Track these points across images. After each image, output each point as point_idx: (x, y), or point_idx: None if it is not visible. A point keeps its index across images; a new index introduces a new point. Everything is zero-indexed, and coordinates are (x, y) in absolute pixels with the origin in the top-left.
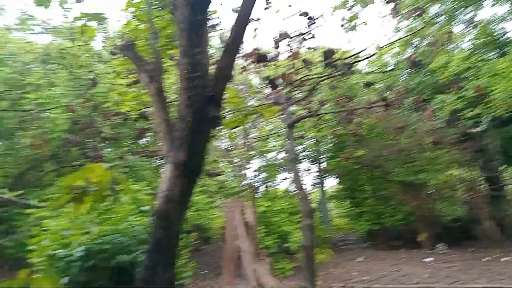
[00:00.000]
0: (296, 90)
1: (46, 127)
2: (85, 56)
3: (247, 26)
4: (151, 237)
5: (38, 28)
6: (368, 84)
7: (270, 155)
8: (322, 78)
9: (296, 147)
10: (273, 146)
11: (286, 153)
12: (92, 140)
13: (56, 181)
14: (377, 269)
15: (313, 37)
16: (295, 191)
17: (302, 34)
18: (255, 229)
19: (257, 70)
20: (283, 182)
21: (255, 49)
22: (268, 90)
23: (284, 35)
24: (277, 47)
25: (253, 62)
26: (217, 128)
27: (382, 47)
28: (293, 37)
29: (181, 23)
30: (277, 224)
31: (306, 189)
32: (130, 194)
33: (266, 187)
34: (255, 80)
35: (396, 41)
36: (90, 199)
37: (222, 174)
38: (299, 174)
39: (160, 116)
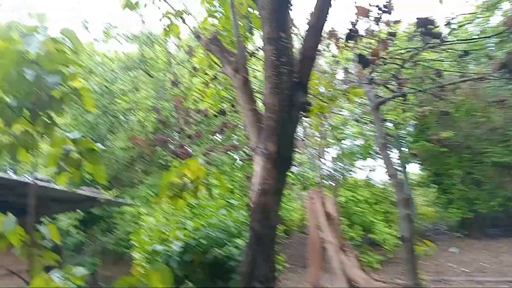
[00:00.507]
0: (381, 68)
1: (135, 129)
2: (163, 59)
3: (331, 2)
4: (249, 231)
5: (121, 37)
6: (463, 54)
7: (347, 143)
8: (415, 51)
9: (383, 131)
10: (351, 133)
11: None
12: (177, 138)
13: (146, 179)
14: (475, 260)
15: (392, 10)
16: (386, 179)
17: (383, 7)
18: (337, 220)
19: (342, 48)
20: (363, 170)
21: (332, 30)
22: (348, 71)
23: (363, 11)
24: (355, 24)
25: (337, 41)
26: (305, 114)
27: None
28: (375, 11)
29: (263, 9)
30: (360, 214)
31: (400, 175)
32: (221, 188)
33: (345, 176)
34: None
35: (483, 5)
36: (188, 195)
37: (300, 165)
38: (391, 159)
39: (247, 107)
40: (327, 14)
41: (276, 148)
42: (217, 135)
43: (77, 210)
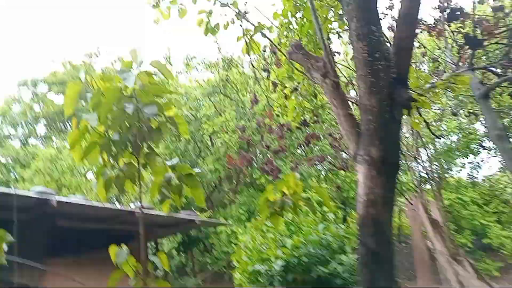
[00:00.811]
0: (491, 47)
1: (221, 151)
2: (241, 80)
3: None
4: (361, 248)
5: (200, 65)
6: None
7: (442, 141)
8: None
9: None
10: (448, 128)
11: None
12: (261, 156)
13: (236, 199)
14: None
15: None
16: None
17: None
18: (445, 226)
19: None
20: (464, 168)
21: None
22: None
23: None
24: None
25: (435, 25)
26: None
27: None
28: None
29: (349, 5)
30: (469, 217)
31: None
32: (325, 203)
33: (445, 176)
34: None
35: None
36: (288, 212)
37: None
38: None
39: (341, 112)
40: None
41: (380, 153)
42: (302, 147)
43: (178, 233)
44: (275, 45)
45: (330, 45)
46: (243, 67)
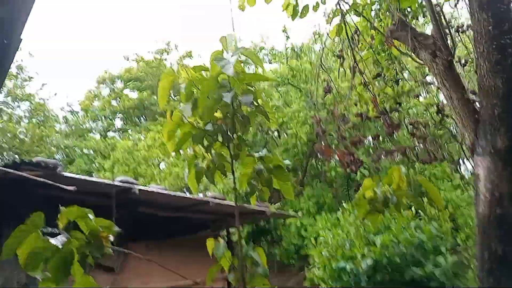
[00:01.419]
0: None
1: (292, 142)
2: (310, 69)
3: None
4: (485, 252)
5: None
6: None
7: None
8: None
9: None
10: None
11: None
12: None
13: (305, 191)
14: None
15: None
16: None
17: None
18: None
19: None
20: None
21: None
22: None
23: None
24: None
25: None
26: None
27: None
28: None
29: None
30: None
31: None
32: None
33: None
34: None
35: None
36: (391, 209)
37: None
38: None
39: (454, 96)
40: None
41: (508, 143)
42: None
43: (248, 223)
44: (373, 25)
45: (441, 17)
46: (311, 55)
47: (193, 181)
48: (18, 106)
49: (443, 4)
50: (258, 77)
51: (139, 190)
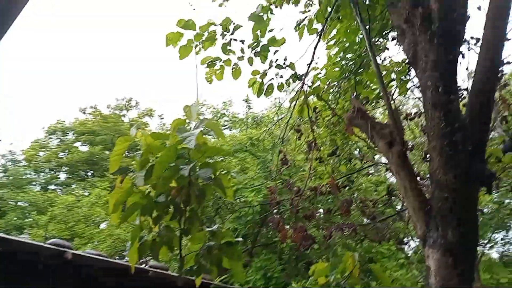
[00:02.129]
0: None
1: (243, 210)
2: (269, 140)
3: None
4: None
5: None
6: None
7: None
8: None
9: None
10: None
11: None
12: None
13: (254, 262)
14: None
15: None
16: None
17: None
18: None
19: None
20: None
21: None
22: None
23: None
24: None
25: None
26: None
27: None
28: None
29: (426, 71)
30: None
31: None
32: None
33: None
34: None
35: None
36: None
37: None
38: None
39: (408, 186)
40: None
41: (458, 238)
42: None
43: None
44: (333, 111)
45: (397, 109)
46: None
47: (134, 256)
48: None
49: (393, 94)
50: (219, 151)
51: (72, 254)
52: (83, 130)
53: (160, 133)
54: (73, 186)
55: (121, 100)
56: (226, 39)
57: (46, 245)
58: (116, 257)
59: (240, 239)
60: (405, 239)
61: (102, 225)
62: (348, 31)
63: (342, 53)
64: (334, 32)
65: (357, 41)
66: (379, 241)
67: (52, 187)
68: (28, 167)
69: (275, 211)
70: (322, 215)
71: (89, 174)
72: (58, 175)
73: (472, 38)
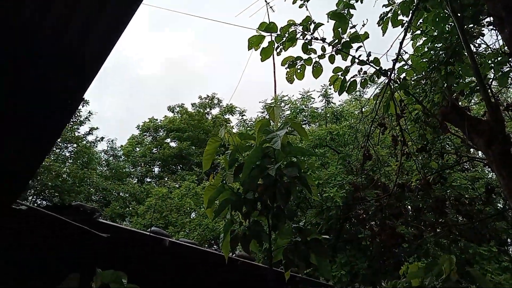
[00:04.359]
0: None
1: (325, 205)
2: (350, 135)
3: None
4: None
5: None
6: None
7: None
8: None
9: None
10: None
11: None
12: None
13: (337, 258)
14: None
15: None
16: None
17: None
18: None
19: None
20: None
21: None
22: None
23: None
24: None
25: None
26: None
27: None
28: None
29: None
30: None
31: None
32: None
33: None
34: None
35: None
36: None
37: None
38: None
39: (511, 187)
40: None
41: None
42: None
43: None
44: (423, 106)
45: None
46: (350, 121)
47: (227, 248)
48: (66, 147)
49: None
50: (304, 151)
51: (169, 242)
52: (172, 127)
53: (246, 133)
54: (165, 178)
55: (204, 98)
56: (306, 39)
57: (149, 234)
58: (206, 245)
59: (326, 236)
60: (509, 240)
61: (192, 215)
62: (437, 19)
63: (430, 43)
64: (419, 22)
65: (447, 29)
66: (479, 242)
67: (147, 179)
68: (127, 162)
69: (359, 207)
70: (410, 213)
71: (179, 167)
72: (153, 168)
73: None
